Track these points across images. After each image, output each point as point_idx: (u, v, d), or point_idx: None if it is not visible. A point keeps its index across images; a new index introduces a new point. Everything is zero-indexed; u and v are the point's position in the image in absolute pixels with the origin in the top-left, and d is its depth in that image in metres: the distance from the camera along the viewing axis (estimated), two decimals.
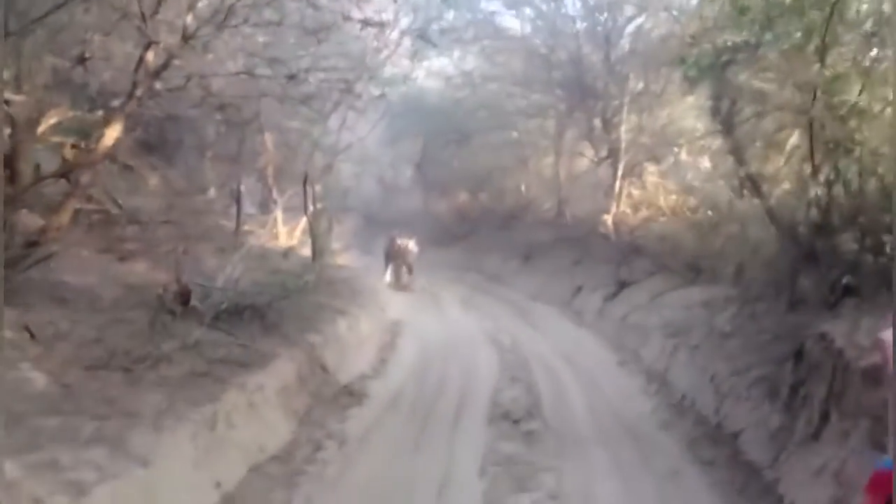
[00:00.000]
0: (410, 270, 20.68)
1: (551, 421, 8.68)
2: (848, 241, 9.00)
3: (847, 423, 5.86)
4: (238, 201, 15.29)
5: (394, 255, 20.82)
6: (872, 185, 8.63)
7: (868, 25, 8.67)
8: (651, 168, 18.45)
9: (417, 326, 14.43)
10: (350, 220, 25.98)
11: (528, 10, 22.75)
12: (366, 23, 10.97)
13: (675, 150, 17.57)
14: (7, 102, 6.71)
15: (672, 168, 17.88)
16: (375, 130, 25.90)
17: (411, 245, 20.74)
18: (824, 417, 6.31)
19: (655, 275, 14.55)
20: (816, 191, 9.02)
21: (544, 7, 22.32)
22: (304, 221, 16.61)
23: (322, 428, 7.83)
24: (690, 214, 15.22)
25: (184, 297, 8.57)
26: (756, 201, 10.82)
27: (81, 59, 7.65)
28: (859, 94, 8.32)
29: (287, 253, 14.68)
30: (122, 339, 7.23)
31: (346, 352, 10.54)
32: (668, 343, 11.20)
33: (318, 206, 16.61)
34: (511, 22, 24.09)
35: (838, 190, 9.06)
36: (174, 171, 14.93)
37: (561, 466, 7.08)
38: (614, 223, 16.92)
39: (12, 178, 6.94)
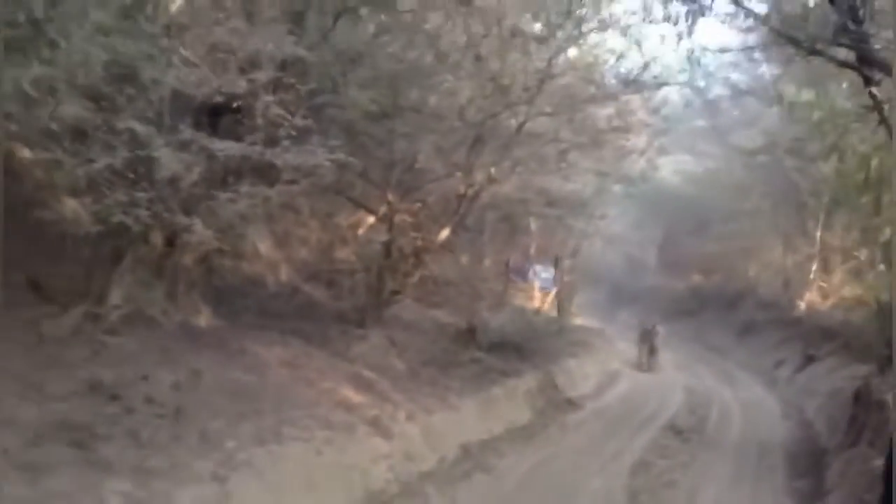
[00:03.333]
0: (654, 353, 21.54)
1: (704, 436, 12.72)
2: None
3: None
4: (506, 272, 20.57)
5: (642, 340, 22.06)
6: None
7: None
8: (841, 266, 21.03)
9: (632, 376, 18.72)
10: (598, 290, 30.49)
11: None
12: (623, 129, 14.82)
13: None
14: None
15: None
16: (623, 216, 30.60)
17: (658, 329, 21.99)
18: None
19: (835, 354, 17.55)
20: None
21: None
22: (553, 291, 21.53)
23: (549, 418, 12.56)
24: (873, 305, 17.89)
25: (470, 332, 13.77)
26: None
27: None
28: None
29: (538, 311, 19.70)
30: (436, 351, 12.54)
31: (573, 379, 15.30)
32: (823, 402, 14.51)
33: (566, 278, 21.43)
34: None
35: None
36: (463, 248, 20.53)
37: (695, 455, 11.21)
38: (807, 307, 20.01)
39: (388, 252, 12.54)
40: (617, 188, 20.26)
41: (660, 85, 13.53)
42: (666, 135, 17.70)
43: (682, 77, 14.92)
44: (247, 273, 12.36)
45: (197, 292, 9.75)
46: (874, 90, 8.09)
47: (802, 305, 20.35)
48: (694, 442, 12.22)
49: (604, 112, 13.16)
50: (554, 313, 20.30)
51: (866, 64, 8.09)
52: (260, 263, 12.92)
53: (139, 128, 6.75)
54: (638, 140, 16.12)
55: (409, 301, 15.15)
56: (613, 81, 13.16)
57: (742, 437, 13.00)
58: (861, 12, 7.70)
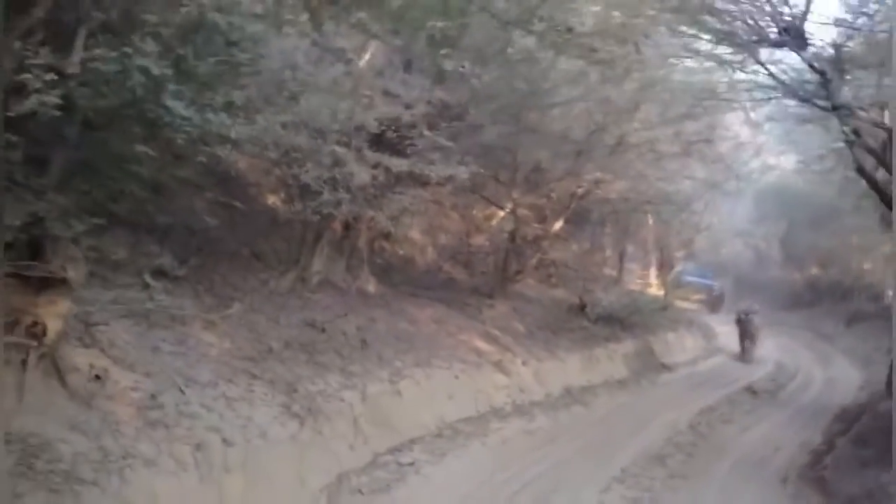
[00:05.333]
0: (753, 341, 21.32)
1: (775, 397, 15.06)
2: None
3: None
4: (621, 259, 23.17)
5: (741, 329, 21.60)
6: None
7: None
8: None
9: (730, 351, 20.87)
10: (722, 279, 32.19)
11: None
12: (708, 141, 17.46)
13: None
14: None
15: None
16: (746, 210, 32.32)
17: (753, 318, 21.45)
18: None
19: None
20: None
21: None
22: (666, 277, 23.95)
23: (642, 376, 15.24)
24: None
25: (581, 306, 16.58)
26: None
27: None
28: None
29: (645, 292, 22.22)
30: (551, 319, 15.46)
31: (670, 349, 17.85)
32: None
33: (677, 268, 23.77)
34: None
35: None
36: (585, 237, 23.27)
37: (759, 407, 13.64)
38: None
39: (513, 239, 15.58)
40: (729, 187, 22.43)
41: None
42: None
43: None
44: (401, 254, 15.69)
45: (366, 267, 13.11)
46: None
47: None
48: (763, 400, 14.58)
49: (694, 126, 15.49)
50: (662, 295, 22.72)
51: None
52: (412, 247, 16.24)
53: (339, 150, 10.11)
54: (725, 147, 18.56)
55: (532, 281, 18.15)
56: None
57: (810, 401, 15.15)
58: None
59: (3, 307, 4.87)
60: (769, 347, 22.33)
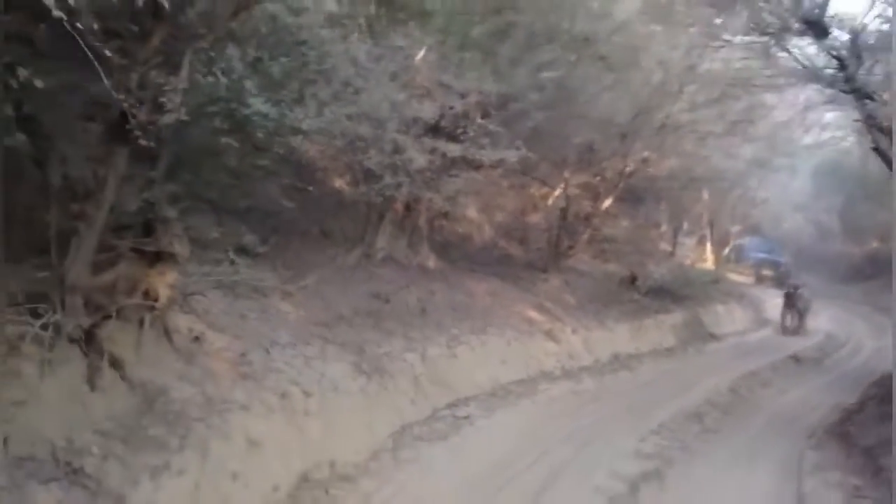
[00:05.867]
0: (801, 316, 21.26)
1: (820, 365, 15.59)
2: None
3: None
4: (675, 234, 23.74)
5: (787, 303, 21.52)
6: None
7: None
8: None
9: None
10: (783, 253, 32.33)
11: None
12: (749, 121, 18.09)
13: None
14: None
15: None
16: (803, 185, 32.35)
17: (802, 292, 21.56)
18: None
19: None
20: None
21: None
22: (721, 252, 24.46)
23: (690, 345, 15.96)
24: None
25: (633, 279, 17.33)
26: None
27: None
28: None
29: (699, 266, 22.79)
30: (602, 292, 16.28)
31: (719, 320, 18.49)
32: None
33: (735, 241, 24.24)
34: None
35: None
36: (639, 214, 23.89)
37: (802, 373, 14.27)
38: None
39: (564, 216, 16.43)
40: (780, 163, 22.82)
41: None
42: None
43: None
44: (459, 232, 16.67)
45: (426, 244, 14.12)
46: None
47: None
48: (807, 366, 15.17)
49: (736, 107, 16.03)
50: (713, 269, 23.29)
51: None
52: (469, 225, 17.21)
53: (399, 138, 11.11)
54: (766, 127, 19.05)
55: (586, 257, 18.95)
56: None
57: (854, 368, 15.63)
58: None
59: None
60: (823, 319, 22.68)
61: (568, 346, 13.05)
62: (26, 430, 5.12)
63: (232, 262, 9.57)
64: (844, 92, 10.99)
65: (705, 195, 24.69)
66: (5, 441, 4.99)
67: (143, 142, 5.28)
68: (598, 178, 16.92)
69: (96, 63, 4.77)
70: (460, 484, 7.40)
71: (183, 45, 5.59)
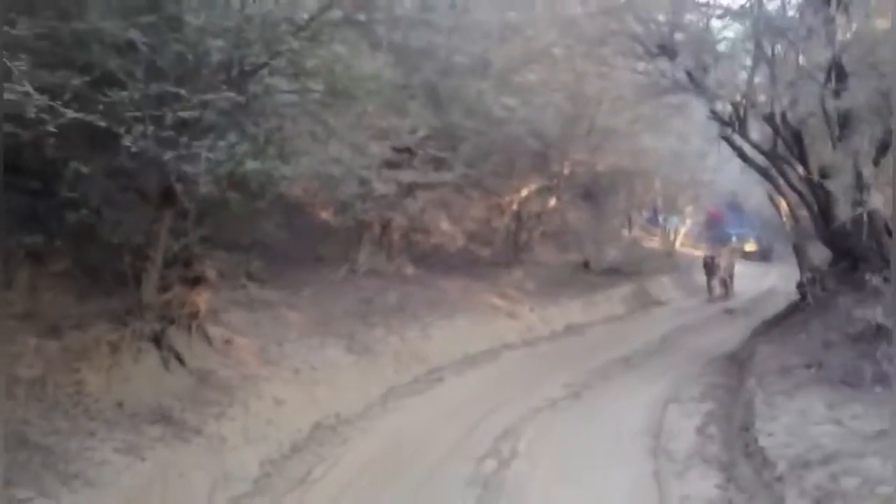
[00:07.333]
0: (724, 284, 22.62)
1: (749, 314, 18.38)
2: None
3: None
4: (630, 220, 26.61)
5: (707, 272, 22.99)
6: None
7: None
8: None
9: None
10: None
11: None
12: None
13: None
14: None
15: None
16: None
17: (720, 261, 22.98)
18: None
19: None
20: None
21: None
22: (680, 231, 27.34)
23: (637, 311, 18.76)
24: None
25: (586, 264, 20.16)
26: None
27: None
28: None
29: (653, 246, 25.68)
30: (558, 276, 19.13)
31: (665, 289, 21.34)
32: None
33: (683, 224, 27.13)
34: None
35: None
36: (596, 206, 26.73)
37: (727, 319, 17.05)
38: None
39: (518, 217, 19.29)
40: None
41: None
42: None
43: None
44: (433, 242, 19.52)
45: (404, 255, 16.97)
46: None
47: None
48: (737, 316, 17.98)
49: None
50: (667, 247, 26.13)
51: None
52: (442, 235, 20.05)
53: (363, 173, 14.02)
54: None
55: (551, 249, 21.78)
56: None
57: (772, 314, 18.41)
58: None
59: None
60: (773, 277, 25.51)
61: (527, 322, 15.87)
62: (132, 396, 7.96)
63: (243, 287, 12.46)
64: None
65: (657, 183, 27.44)
66: (120, 404, 7.83)
67: (186, 205, 8.18)
68: (547, 181, 19.80)
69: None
70: (434, 418, 10.20)
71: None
